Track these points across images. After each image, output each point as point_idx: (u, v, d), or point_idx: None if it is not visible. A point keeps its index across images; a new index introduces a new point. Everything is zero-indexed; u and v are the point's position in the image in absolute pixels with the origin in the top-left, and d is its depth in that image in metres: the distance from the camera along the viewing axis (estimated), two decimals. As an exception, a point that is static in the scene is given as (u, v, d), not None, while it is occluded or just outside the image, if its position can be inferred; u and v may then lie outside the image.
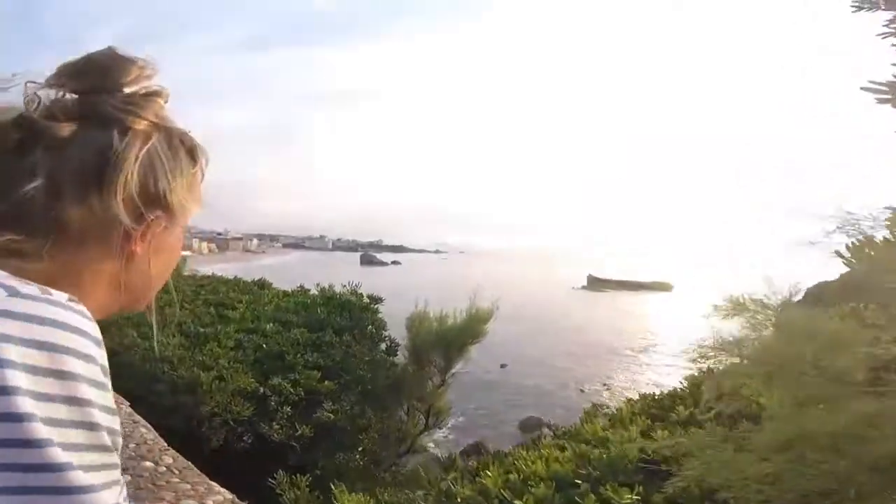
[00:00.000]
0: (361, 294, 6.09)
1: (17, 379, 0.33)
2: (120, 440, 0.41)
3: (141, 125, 0.50)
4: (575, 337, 26.43)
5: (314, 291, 6.58)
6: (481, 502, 1.53)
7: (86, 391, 0.36)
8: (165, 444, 1.85)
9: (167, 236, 0.57)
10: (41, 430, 0.33)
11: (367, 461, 3.14)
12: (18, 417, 0.32)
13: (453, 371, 5.92)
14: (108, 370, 0.40)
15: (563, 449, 2.16)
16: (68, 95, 0.47)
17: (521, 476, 1.78)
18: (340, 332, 4.76)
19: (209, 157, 0.62)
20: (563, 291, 55.50)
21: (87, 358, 0.37)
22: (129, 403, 2.23)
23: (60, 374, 0.35)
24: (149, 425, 2.06)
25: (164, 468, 1.61)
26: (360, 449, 3.09)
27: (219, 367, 3.17)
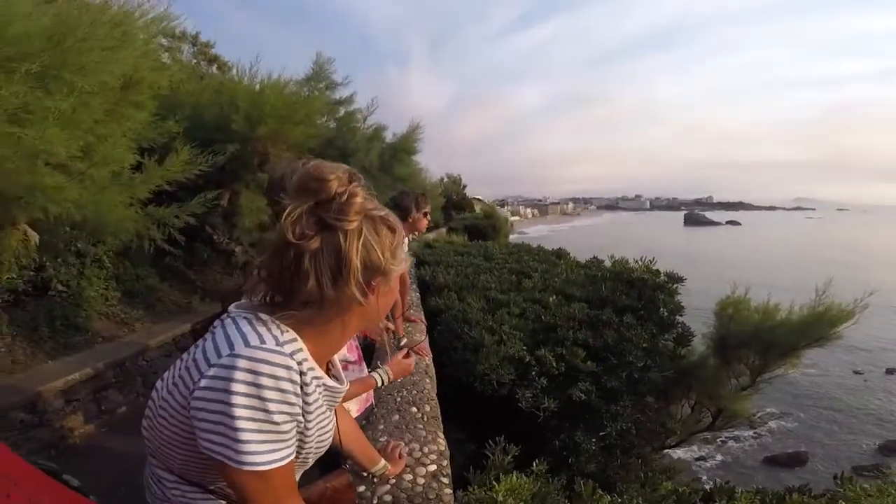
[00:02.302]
0: (658, 270, 5.46)
1: (237, 398, 0.69)
2: (304, 418, 0.78)
3: (352, 225, 0.77)
4: None
5: (608, 263, 6.35)
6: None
7: (268, 394, 0.71)
8: (433, 395, 2.18)
9: (386, 286, 0.85)
10: (243, 428, 0.69)
11: (606, 446, 3.04)
12: (231, 417, 0.69)
13: (770, 375, 4.68)
14: (299, 382, 0.75)
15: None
16: (305, 212, 0.75)
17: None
18: (622, 311, 4.55)
19: (394, 227, 0.85)
20: None
21: (274, 378, 0.71)
22: (430, 357, 2.74)
23: (258, 387, 0.70)
24: (433, 376, 2.48)
25: (421, 414, 1.93)
26: (600, 434, 3.03)
27: (501, 331, 3.69)
